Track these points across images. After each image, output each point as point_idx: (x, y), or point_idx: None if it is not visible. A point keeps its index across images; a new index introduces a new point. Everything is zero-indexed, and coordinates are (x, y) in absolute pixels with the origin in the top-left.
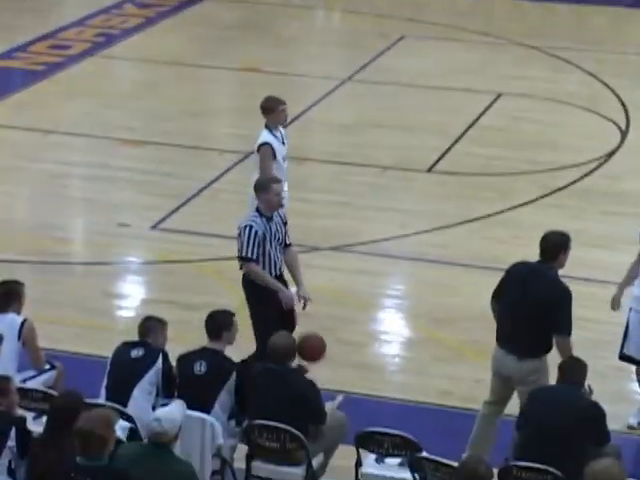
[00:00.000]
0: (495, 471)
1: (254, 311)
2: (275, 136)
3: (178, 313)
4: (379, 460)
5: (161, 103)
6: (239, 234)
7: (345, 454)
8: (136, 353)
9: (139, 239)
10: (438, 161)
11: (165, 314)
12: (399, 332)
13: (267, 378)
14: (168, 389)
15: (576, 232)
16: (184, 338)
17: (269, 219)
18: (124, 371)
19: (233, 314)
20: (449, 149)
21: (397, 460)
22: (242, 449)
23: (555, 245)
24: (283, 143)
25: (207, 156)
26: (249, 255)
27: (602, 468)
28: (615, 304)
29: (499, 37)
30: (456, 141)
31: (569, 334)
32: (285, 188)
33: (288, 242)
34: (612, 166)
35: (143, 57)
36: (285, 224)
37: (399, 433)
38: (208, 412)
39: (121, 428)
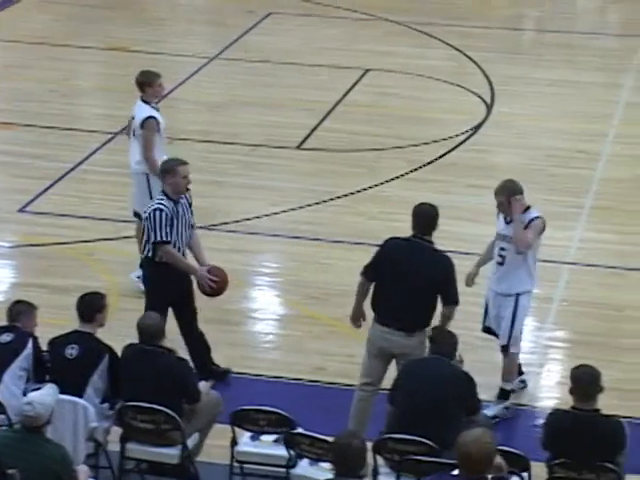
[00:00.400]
0: (370, 444)
1: (153, 292)
2: (156, 109)
3: (49, 297)
4: (254, 438)
5: (27, 84)
6: (147, 218)
7: (221, 433)
8: (5, 338)
9: (7, 222)
10: (307, 138)
11: (36, 298)
12: (273, 310)
13: (139, 359)
14: (39, 374)
15: (444, 206)
16: (55, 322)
17: (176, 202)
18: None
19: (105, 296)
20: (318, 126)
21: (273, 437)
22: (116, 431)
23: (429, 217)
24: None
25: (74, 137)
26: (164, 238)
27: (473, 438)
28: (469, 280)
29: (365, 13)
30: (324, 118)
31: (457, 303)
32: None
33: (192, 223)
34: (478, 139)
35: (7, 37)
36: (190, 205)
37: (274, 410)
38: (81, 395)
39: None
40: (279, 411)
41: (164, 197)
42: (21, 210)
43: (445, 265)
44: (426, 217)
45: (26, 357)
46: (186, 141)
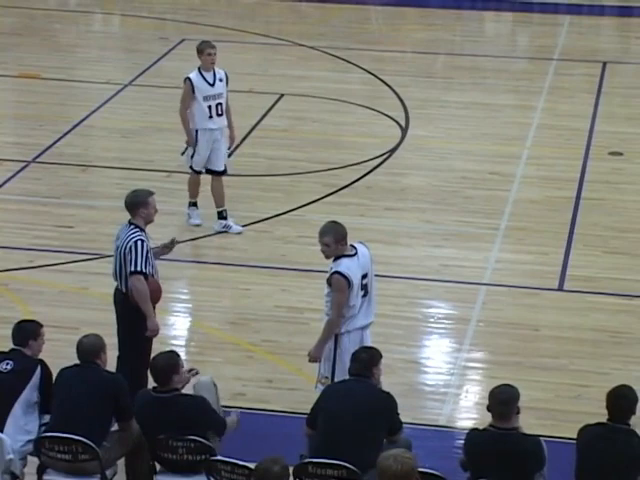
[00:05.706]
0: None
1: (132, 328)
2: (202, 76)
3: None
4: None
5: None
6: (129, 249)
7: None
8: None
9: None
10: None
11: None
12: (190, 336)
13: (72, 377)
14: None
15: (360, 229)
16: None
17: (146, 234)
18: None
19: (41, 325)
20: (234, 150)
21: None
22: (33, 463)
23: None
24: (212, 85)
25: None
26: (143, 269)
27: (394, 454)
28: None
29: (279, 38)
30: (240, 143)
31: None
32: (225, 124)
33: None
34: (394, 162)
35: None
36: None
37: (193, 437)
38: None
39: None
40: (198, 438)
41: (137, 229)
42: None
43: None
44: None
45: None
46: (101, 168)
